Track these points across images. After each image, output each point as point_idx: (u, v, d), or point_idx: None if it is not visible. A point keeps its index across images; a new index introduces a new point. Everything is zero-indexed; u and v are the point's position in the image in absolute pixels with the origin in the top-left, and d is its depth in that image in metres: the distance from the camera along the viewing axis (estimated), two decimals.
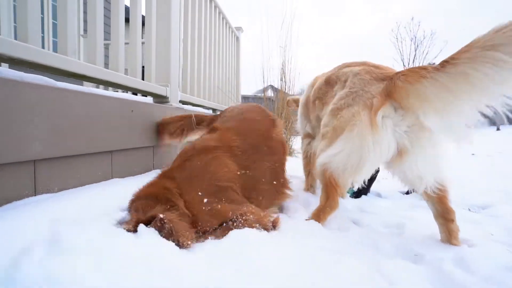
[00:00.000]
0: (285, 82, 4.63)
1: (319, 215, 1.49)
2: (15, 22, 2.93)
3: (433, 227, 1.45)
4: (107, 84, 1.86)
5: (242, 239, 1.00)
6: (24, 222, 0.93)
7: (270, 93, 5.96)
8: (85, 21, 4.96)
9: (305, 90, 2.49)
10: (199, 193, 1.19)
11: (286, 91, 4.64)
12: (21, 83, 1.17)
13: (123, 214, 1.15)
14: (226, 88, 4.98)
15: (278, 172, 1.64)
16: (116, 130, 1.76)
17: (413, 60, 19.37)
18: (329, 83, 1.75)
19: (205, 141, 1.48)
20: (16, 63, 1.25)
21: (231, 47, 5.37)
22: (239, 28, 5.76)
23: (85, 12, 4.88)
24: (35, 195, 1.26)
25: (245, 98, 11.51)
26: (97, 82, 1.78)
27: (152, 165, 2.23)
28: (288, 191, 1.70)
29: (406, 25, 22.44)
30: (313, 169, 2.14)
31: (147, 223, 0.97)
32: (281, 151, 1.73)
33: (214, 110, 4.20)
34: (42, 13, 4.74)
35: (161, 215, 0.96)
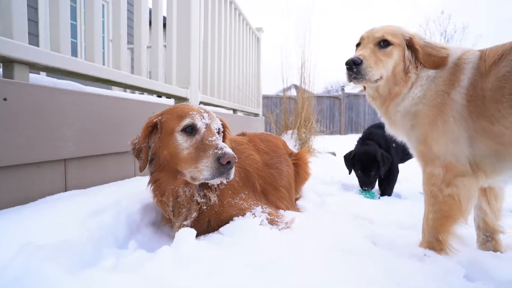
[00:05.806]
0: (305, 82, 4.62)
1: None
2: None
3: None
4: (132, 88, 1.97)
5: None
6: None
7: (293, 92, 5.94)
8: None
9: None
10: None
11: (306, 90, 4.62)
12: (54, 89, 1.29)
13: None
14: (247, 88, 5.04)
15: (291, 185, 1.74)
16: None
17: None
18: None
19: (237, 138, 1.70)
20: (50, 71, 1.37)
21: (252, 47, 5.43)
22: (259, 29, 5.79)
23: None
24: (65, 191, 1.37)
25: (266, 98, 11.51)
26: (123, 86, 1.90)
27: None
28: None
29: (436, 19, 21.55)
30: None
31: None
32: (293, 171, 1.84)
33: (234, 110, 4.27)
34: (75, 19, 5.04)
35: None
